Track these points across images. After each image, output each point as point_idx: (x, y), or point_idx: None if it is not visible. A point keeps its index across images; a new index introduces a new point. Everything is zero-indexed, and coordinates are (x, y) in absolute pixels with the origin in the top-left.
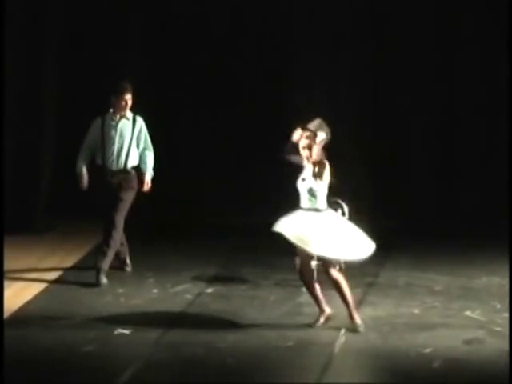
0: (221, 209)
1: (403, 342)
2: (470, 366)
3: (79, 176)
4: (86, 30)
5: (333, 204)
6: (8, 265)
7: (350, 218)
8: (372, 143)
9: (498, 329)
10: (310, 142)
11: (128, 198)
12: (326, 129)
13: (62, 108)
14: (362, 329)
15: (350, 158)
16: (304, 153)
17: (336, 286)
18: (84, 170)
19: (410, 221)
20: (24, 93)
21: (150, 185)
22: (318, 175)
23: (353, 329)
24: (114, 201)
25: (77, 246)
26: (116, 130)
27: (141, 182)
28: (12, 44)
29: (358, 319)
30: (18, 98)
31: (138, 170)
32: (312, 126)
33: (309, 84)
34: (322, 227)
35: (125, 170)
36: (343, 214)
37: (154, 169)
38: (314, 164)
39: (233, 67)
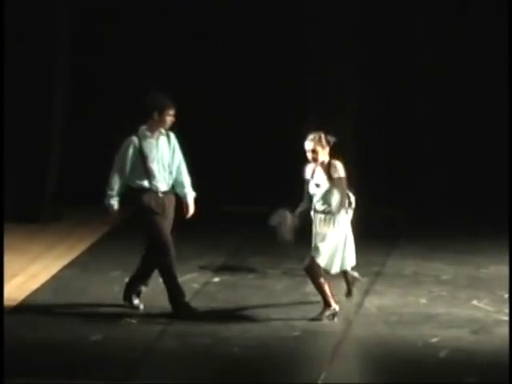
0: (229, 198)
1: (410, 332)
2: (476, 355)
3: (111, 210)
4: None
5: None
6: (16, 253)
7: (357, 208)
8: (382, 132)
9: (505, 318)
10: (314, 145)
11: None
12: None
13: (73, 97)
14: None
15: (358, 147)
16: (311, 156)
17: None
18: (117, 205)
19: (417, 210)
20: (35, 79)
21: (193, 209)
22: (330, 176)
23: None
24: (166, 229)
25: (84, 235)
26: (158, 149)
27: (182, 205)
28: (23, 29)
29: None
30: (29, 84)
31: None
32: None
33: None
34: (334, 240)
35: (169, 191)
36: (350, 203)
37: None
38: (324, 166)
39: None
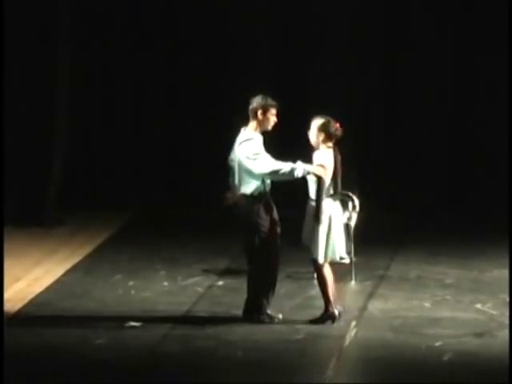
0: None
1: (414, 335)
2: (480, 359)
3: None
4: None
5: (344, 197)
6: (18, 258)
7: (361, 212)
8: (383, 135)
9: (509, 322)
10: (327, 128)
11: None
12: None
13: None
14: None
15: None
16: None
17: (320, 281)
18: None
19: (421, 214)
20: (37, 81)
21: None
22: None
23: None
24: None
25: (86, 240)
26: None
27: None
28: (24, 28)
29: (334, 308)
30: (30, 86)
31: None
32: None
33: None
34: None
35: None
36: (354, 207)
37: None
38: (332, 151)
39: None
